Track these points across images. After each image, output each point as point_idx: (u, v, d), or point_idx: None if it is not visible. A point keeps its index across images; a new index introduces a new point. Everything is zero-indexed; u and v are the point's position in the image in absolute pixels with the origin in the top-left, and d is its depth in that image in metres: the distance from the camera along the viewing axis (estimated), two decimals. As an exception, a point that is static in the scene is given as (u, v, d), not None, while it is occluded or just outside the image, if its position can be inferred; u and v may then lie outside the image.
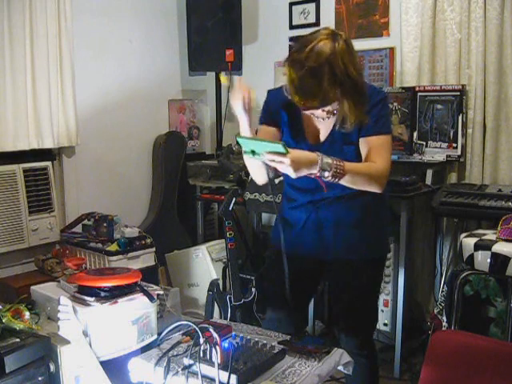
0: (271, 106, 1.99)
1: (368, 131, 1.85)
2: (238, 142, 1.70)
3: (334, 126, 1.89)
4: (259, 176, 1.93)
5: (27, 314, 2.09)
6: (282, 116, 1.95)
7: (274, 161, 1.62)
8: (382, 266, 2.17)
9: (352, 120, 1.79)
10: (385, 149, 1.86)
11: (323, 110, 1.80)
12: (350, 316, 2.06)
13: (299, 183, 1.97)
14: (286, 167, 1.62)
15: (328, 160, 1.69)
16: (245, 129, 1.80)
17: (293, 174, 1.64)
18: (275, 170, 1.72)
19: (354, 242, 1.98)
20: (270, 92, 2.05)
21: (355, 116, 1.78)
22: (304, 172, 1.66)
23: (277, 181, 2.65)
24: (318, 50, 1.67)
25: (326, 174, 1.68)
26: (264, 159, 1.64)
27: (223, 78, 1.89)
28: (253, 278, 2.87)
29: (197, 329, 1.64)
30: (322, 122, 1.91)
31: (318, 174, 1.69)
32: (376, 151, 1.84)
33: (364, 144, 1.86)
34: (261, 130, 2.02)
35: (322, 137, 1.93)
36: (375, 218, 2.02)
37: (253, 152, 1.64)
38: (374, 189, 1.82)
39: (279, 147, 1.60)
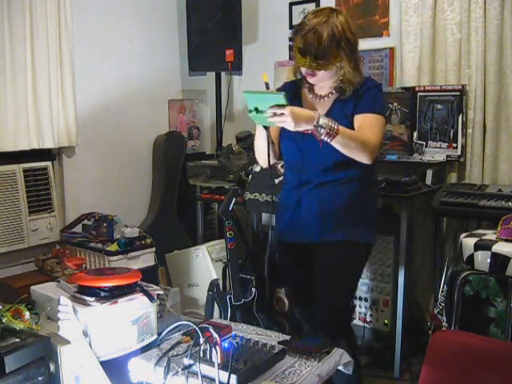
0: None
1: (362, 109, 2.00)
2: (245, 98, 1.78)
3: (332, 105, 2.06)
4: (263, 157, 2.03)
5: (27, 314, 2.09)
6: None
7: (275, 114, 1.73)
8: (366, 253, 2.20)
9: (350, 84, 2.00)
10: (377, 126, 1.99)
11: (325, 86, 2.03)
12: (327, 296, 2.09)
13: (289, 158, 2.16)
14: (286, 118, 1.74)
15: (324, 120, 1.82)
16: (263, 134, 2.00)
17: (292, 127, 1.77)
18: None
19: (341, 223, 2.07)
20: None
21: (353, 79, 1.99)
22: (302, 126, 1.79)
23: (277, 181, 2.66)
24: (319, 14, 1.96)
25: (322, 130, 1.81)
26: (267, 115, 1.74)
27: (265, 75, 1.96)
28: (253, 278, 2.86)
29: (197, 329, 1.64)
30: (321, 103, 2.09)
31: (315, 130, 1.81)
32: (368, 126, 1.97)
33: (358, 121, 2.00)
34: (257, 129, 2.07)
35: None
36: (362, 205, 2.11)
37: (256, 109, 1.75)
38: (363, 158, 1.93)
39: (281, 97, 1.72)
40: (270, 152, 1.98)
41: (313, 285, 2.15)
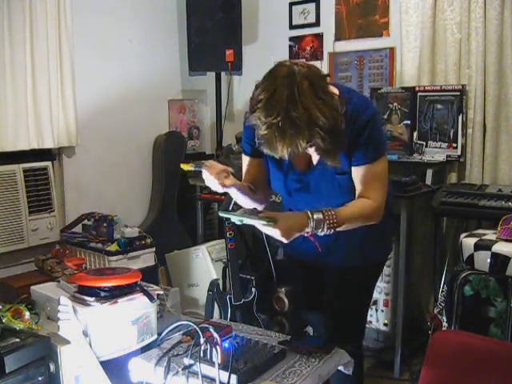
0: (252, 133, 1.76)
1: (359, 160, 1.71)
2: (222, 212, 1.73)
3: None
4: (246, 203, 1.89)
5: (27, 314, 2.09)
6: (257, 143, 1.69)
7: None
8: (378, 271, 2.13)
9: (329, 161, 1.64)
10: (379, 178, 1.74)
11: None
12: (339, 322, 1.99)
13: (284, 198, 1.99)
14: (277, 237, 1.61)
15: (319, 215, 1.62)
16: (235, 195, 1.82)
17: (285, 241, 1.62)
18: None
19: (353, 251, 1.91)
20: (247, 114, 1.80)
21: (331, 157, 1.62)
22: (297, 235, 1.63)
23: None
24: (275, 101, 1.50)
25: (320, 231, 1.63)
26: (254, 224, 1.63)
27: (185, 165, 1.88)
28: (253, 278, 2.86)
29: (197, 329, 1.64)
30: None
31: (311, 233, 1.64)
32: (369, 184, 1.73)
33: (356, 173, 1.74)
34: (246, 160, 1.94)
35: (315, 160, 1.79)
36: (375, 234, 1.88)
37: (240, 220, 1.64)
38: (372, 223, 1.76)
39: (265, 221, 1.59)
40: (258, 196, 1.87)
41: (323, 297, 2.04)
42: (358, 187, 1.75)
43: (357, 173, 1.73)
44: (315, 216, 1.62)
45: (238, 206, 1.90)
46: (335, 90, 1.63)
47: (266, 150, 1.59)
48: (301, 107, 1.49)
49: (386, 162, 1.77)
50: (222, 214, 1.69)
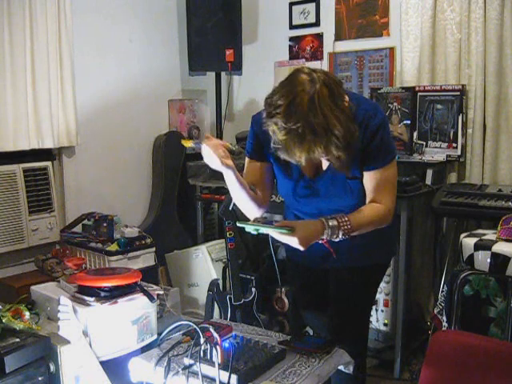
0: (258, 136, 1.81)
1: (370, 166, 1.74)
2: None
3: None
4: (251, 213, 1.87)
5: (27, 314, 2.09)
6: (271, 148, 1.65)
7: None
8: (382, 272, 2.12)
9: (340, 169, 1.68)
10: (389, 182, 1.77)
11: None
12: (341, 323, 1.99)
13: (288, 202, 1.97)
14: (294, 244, 1.62)
15: (334, 222, 1.65)
16: (231, 181, 1.71)
17: (303, 248, 1.63)
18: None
19: (357, 252, 1.91)
20: (255, 118, 1.84)
21: (343, 165, 1.65)
22: (313, 242, 1.65)
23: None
24: (295, 107, 1.51)
25: (335, 237, 1.66)
26: (270, 234, 1.64)
27: (186, 141, 1.84)
28: (253, 277, 2.86)
29: (197, 329, 1.64)
30: None
31: (327, 241, 1.67)
32: (380, 188, 1.75)
33: (367, 178, 1.76)
34: (248, 164, 1.91)
35: (324, 166, 1.79)
36: (379, 236, 1.88)
37: (256, 229, 1.64)
38: (384, 225, 1.79)
39: (283, 230, 1.61)
40: (258, 198, 1.84)
41: (327, 301, 2.04)
42: (369, 192, 1.77)
43: (368, 177, 1.75)
44: (330, 223, 1.65)
45: (237, 207, 1.89)
46: (345, 97, 1.63)
47: (283, 155, 1.60)
48: (320, 114, 1.51)
49: (395, 166, 1.80)
50: (239, 224, 1.67)
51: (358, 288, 1.96)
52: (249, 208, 1.84)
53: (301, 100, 1.51)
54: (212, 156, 1.62)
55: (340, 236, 1.66)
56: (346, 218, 1.67)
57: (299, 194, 1.86)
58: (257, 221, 1.71)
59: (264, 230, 1.63)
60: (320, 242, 1.68)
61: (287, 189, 1.88)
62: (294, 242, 1.61)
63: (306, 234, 1.62)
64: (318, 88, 1.52)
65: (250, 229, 1.65)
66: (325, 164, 1.79)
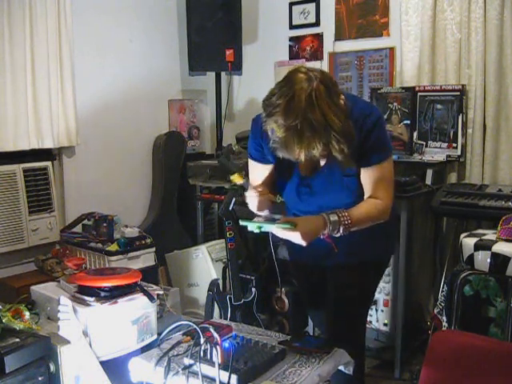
0: (259, 137, 1.85)
1: (367, 162, 1.77)
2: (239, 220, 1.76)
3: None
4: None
5: (27, 314, 2.09)
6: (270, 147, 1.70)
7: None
8: (382, 270, 2.13)
9: (343, 163, 1.70)
10: (386, 178, 1.81)
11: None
12: (339, 320, 2.00)
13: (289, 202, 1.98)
14: (297, 240, 1.66)
15: (334, 217, 1.69)
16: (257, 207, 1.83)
17: (305, 244, 1.67)
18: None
19: (355, 247, 1.92)
20: (255, 121, 1.87)
21: (345, 159, 1.67)
22: (315, 237, 1.69)
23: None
24: (294, 105, 1.56)
25: (336, 232, 1.71)
26: (272, 231, 1.69)
27: (237, 177, 1.94)
28: (253, 277, 2.86)
29: (197, 329, 1.64)
30: None
31: (329, 236, 1.71)
32: (378, 184, 1.79)
33: (365, 174, 1.80)
34: (251, 165, 1.97)
35: (321, 163, 1.83)
36: (378, 232, 1.90)
37: (259, 227, 1.68)
38: (382, 220, 1.83)
39: (285, 225, 1.65)
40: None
41: (327, 299, 2.06)
42: (367, 188, 1.81)
43: (365, 174, 1.80)
44: (331, 218, 1.69)
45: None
46: (341, 95, 1.67)
47: (283, 153, 1.64)
48: (318, 111, 1.55)
49: (392, 163, 1.84)
50: (241, 223, 1.72)
51: (355, 287, 1.97)
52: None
53: (299, 97, 1.56)
54: (254, 210, 1.81)
55: (341, 231, 1.71)
56: (346, 213, 1.72)
57: (299, 193, 1.89)
58: (258, 219, 1.73)
59: (266, 227, 1.67)
60: (321, 237, 1.71)
61: (287, 189, 1.91)
62: (296, 237, 1.65)
63: (308, 229, 1.67)
64: (315, 85, 1.57)
65: (252, 227, 1.69)
66: (322, 162, 1.82)
